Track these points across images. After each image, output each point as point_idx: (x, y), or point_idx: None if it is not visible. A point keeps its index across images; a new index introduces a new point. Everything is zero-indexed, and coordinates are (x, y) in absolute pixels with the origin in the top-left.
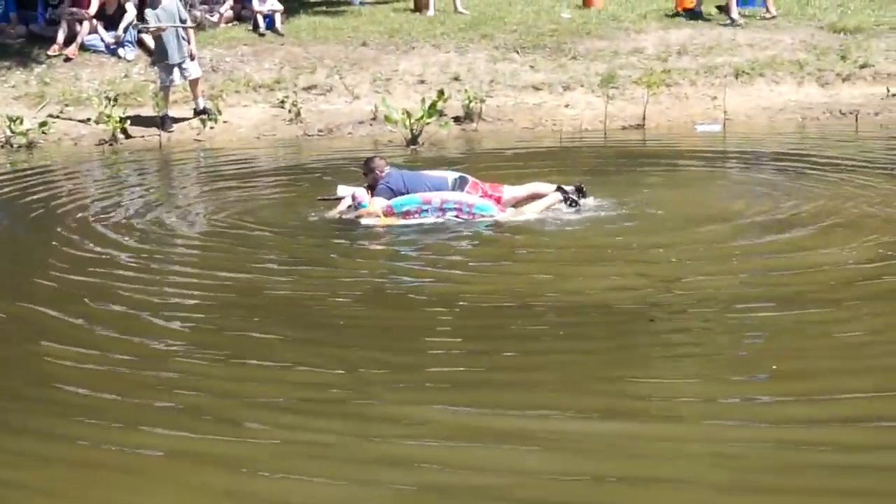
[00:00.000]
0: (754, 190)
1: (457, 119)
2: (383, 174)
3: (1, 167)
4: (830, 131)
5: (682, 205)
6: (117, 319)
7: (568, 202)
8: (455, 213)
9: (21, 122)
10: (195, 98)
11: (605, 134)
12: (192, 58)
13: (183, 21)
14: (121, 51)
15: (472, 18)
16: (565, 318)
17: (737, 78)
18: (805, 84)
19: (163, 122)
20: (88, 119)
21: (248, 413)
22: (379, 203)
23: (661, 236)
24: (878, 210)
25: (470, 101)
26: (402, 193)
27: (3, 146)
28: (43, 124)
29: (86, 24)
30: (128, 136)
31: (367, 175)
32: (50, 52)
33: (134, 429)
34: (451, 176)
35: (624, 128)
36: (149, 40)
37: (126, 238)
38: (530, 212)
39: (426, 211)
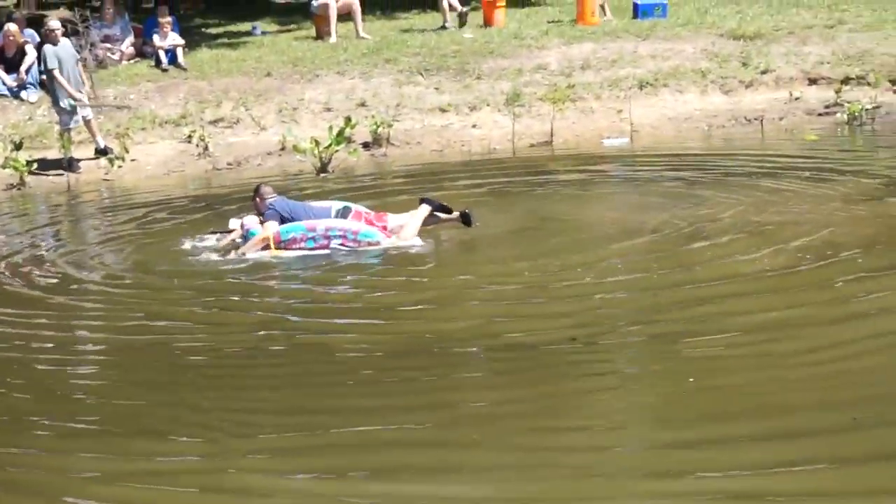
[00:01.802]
0: (665, 202)
1: (366, 145)
2: (269, 199)
3: None
4: (737, 138)
5: (593, 220)
6: None
7: (434, 208)
8: (341, 240)
9: None
10: (94, 137)
11: (514, 152)
12: (87, 98)
13: (77, 62)
14: (23, 93)
15: (375, 43)
16: (470, 361)
17: (641, 89)
18: (709, 92)
19: (69, 164)
20: None
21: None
22: (271, 228)
23: (575, 254)
24: (793, 216)
25: (377, 127)
26: (288, 220)
27: None
28: None
29: None
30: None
31: (256, 201)
32: None
33: None
34: (335, 206)
35: (532, 145)
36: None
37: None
38: (410, 234)
39: (311, 239)
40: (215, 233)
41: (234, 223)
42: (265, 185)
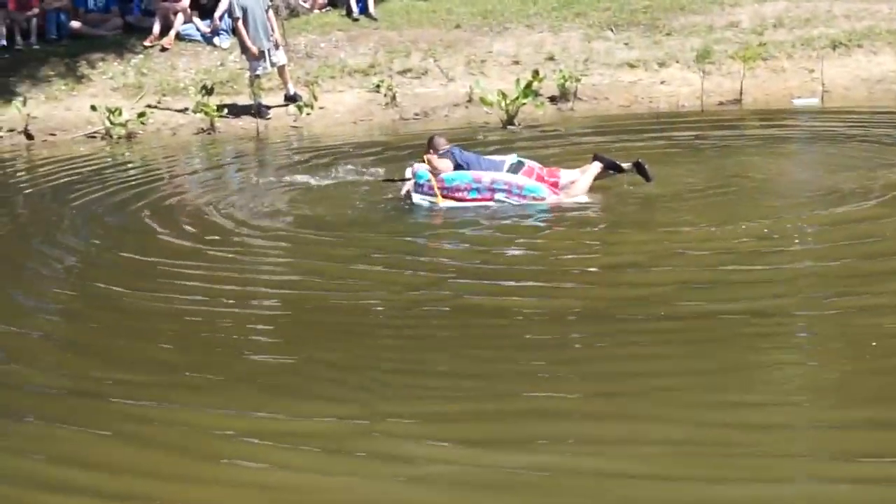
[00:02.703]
0: (858, 163)
1: (552, 99)
2: (442, 150)
3: (102, 159)
4: None
5: (782, 181)
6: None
7: (606, 165)
8: (505, 193)
9: (120, 114)
10: (285, 84)
11: (702, 109)
12: (276, 46)
13: (268, 9)
14: (216, 39)
15: None
16: (644, 329)
17: (834, 50)
18: None
19: (259, 111)
20: (186, 109)
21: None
22: (443, 165)
23: (764, 218)
24: None
25: (565, 81)
26: (460, 167)
27: (102, 137)
28: (141, 115)
29: (180, 14)
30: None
31: (429, 152)
32: (146, 43)
33: None
34: (508, 160)
35: (721, 103)
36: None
37: (205, 232)
38: (581, 190)
39: (476, 189)
40: (391, 181)
41: (409, 172)
42: (439, 135)
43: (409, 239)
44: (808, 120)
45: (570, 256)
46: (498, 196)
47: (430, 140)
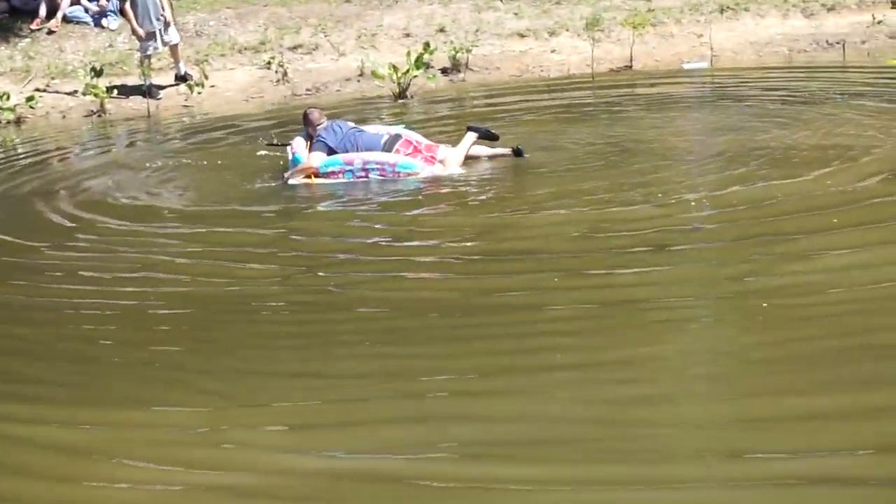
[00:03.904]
0: (750, 124)
1: (444, 70)
2: (320, 126)
3: None
4: (818, 62)
5: (664, 144)
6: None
7: (481, 135)
8: (378, 172)
9: (8, 98)
10: (176, 63)
11: (593, 77)
12: (167, 25)
13: None
14: (104, 20)
15: None
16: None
17: (721, 14)
18: (790, 16)
19: (149, 91)
20: (75, 91)
21: None
22: (314, 160)
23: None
24: (880, 140)
25: (456, 52)
26: (333, 152)
27: None
28: (30, 98)
29: None
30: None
31: (306, 127)
32: (33, 26)
33: None
34: (386, 134)
35: (611, 70)
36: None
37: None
38: (454, 162)
39: (350, 171)
40: (273, 145)
41: (289, 151)
42: (315, 109)
43: (266, 230)
44: (697, 82)
45: (432, 242)
46: (372, 175)
47: (306, 115)
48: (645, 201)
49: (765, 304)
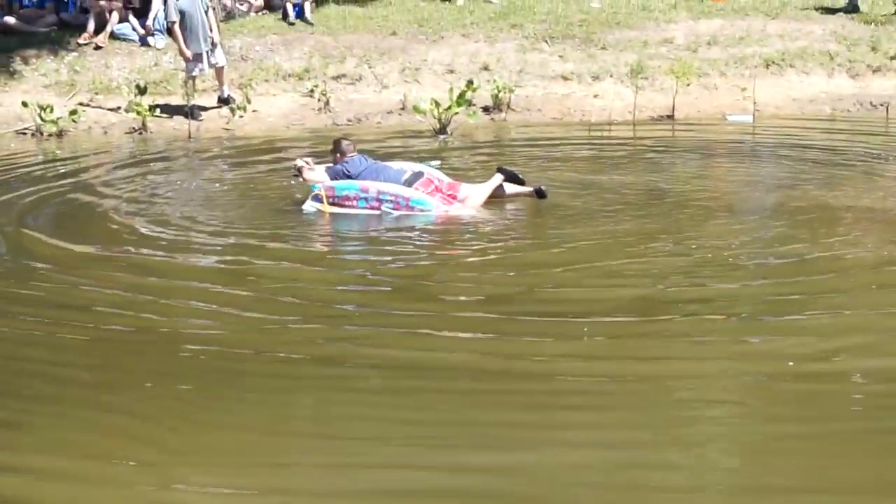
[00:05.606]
0: (791, 181)
1: (486, 109)
2: (346, 157)
3: (32, 155)
4: (861, 123)
5: (698, 195)
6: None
7: (508, 177)
8: (391, 204)
9: (51, 111)
10: (220, 85)
11: (634, 125)
12: (214, 46)
13: (207, 10)
14: (150, 39)
15: (502, 8)
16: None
17: (767, 69)
18: (835, 75)
19: (191, 112)
20: (118, 108)
21: None
22: (320, 176)
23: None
24: None
25: (499, 91)
26: (349, 177)
27: (33, 134)
28: (73, 112)
29: (115, 12)
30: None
31: (333, 154)
32: (80, 41)
33: None
34: (409, 171)
35: (653, 118)
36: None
37: (141, 234)
38: (476, 203)
39: (363, 199)
40: (297, 176)
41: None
42: (347, 139)
43: (267, 275)
44: (740, 136)
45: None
46: (385, 207)
47: (337, 143)
48: (669, 253)
49: (790, 363)
